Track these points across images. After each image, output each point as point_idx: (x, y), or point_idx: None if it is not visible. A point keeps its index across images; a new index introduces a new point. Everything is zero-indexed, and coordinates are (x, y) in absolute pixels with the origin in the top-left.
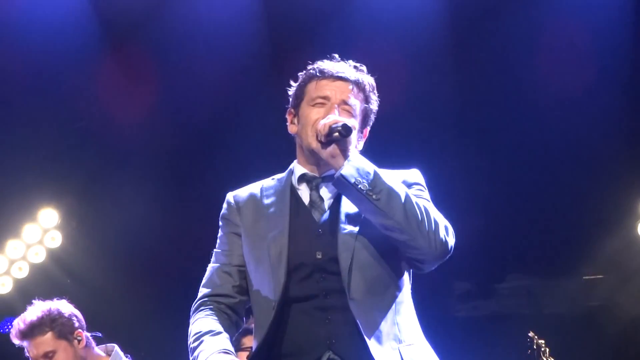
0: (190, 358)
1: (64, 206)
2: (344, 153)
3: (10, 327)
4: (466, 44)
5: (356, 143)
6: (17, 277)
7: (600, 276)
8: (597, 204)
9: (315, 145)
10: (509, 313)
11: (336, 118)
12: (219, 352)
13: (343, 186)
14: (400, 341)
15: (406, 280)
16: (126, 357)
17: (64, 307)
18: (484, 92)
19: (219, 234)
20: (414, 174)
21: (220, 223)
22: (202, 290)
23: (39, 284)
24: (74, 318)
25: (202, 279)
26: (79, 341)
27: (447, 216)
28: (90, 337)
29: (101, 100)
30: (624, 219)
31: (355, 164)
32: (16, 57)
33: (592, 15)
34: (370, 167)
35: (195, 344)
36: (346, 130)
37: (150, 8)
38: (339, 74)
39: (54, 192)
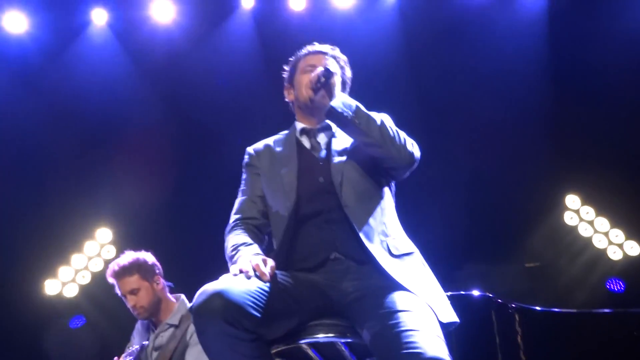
0: (229, 264)
1: (116, 226)
2: (331, 93)
3: (79, 322)
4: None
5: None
6: (82, 283)
7: (538, 264)
8: (530, 197)
9: (310, 94)
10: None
11: (319, 68)
12: (254, 255)
13: (333, 115)
14: (386, 235)
15: (387, 192)
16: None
17: (149, 257)
18: (423, 88)
19: (243, 177)
20: (385, 115)
21: (243, 169)
22: (233, 217)
23: (99, 288)
24: (155, 266)
25: None
26: (158, 284)
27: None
28: (165, 284)
29: None
30: (553, 209)
31: (341, 99)
32: None
33: (516, 14)
34: (353, 101)
35: (233, 252)
36: (327, 72)
37: None
38: (320, 50)
39: (108, 214)
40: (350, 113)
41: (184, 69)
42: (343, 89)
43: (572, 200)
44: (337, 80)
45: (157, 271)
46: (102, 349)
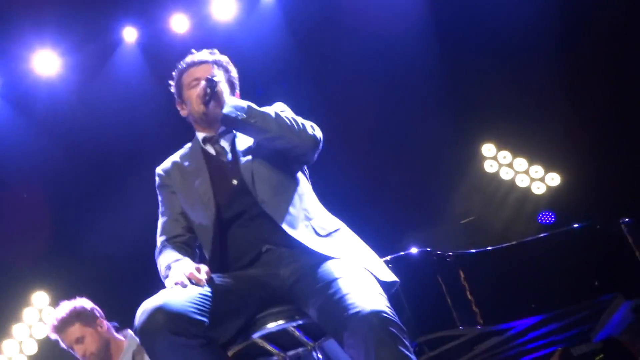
0: (166, 283)
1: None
2: (221, 101)
3: None
4: None
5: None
6: (29, 354)
7: (472, 218)
8: (447, 156)
9: (202, 108)
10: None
11: (203, 81)
12: (187, 265)
13: (228, 121)
14: (309, 219)
15: (302, 178)
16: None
17: (86, 302)
18: (322, 73)
19: (160, 200)
20: (279, 104)
21: (158, 191)
22: (159, 239)
23: (49, 354)
24: (95, 310)
25: None
26: (101, 327)
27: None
28: (109, 325)
29: None
30: (472, 162)
31: (232, 104)
32: None
33: None
34: (244, 103)
35: (167, 272)
36: (211, 82)
37: None
38: (200, 60)
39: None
40: (244, 115)
41: (78, 118)
42: (232, 91)
43: (488, 148)
44: (223, 87)
45: (98, 314)
46: None
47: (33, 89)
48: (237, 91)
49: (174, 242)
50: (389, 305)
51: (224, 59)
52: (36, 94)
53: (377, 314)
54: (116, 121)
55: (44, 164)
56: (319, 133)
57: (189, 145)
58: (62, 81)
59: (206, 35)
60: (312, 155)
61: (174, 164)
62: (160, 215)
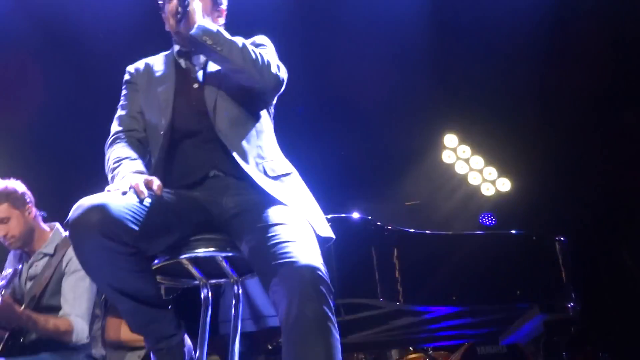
0: (109, 177)
1: None
2: (192, 21)
3: None
4: None
5: (209, 16)
6: None
7: (418, 202)
8: (410, 137)
9: (175, 26)
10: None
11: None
12: (134, 172)
13: (195, 43)
14: (262, 158)
15: (265, 116)
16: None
17: (19, 185)
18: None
19: (123, 94)
20: (260, 37)
21: (123, 86)
22: (114, 129)
23: None
24: (26, 195)
25: None
26: (29, 213)
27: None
28: (38, 213)
29: None
30: (432, 148)
31: (202, 27)
32: None
33: None
34: (214, 27)
35: (115, 165)
36: (181, 1)
37: None
38: None
39: None
40: (211, 40)
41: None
42: (214, 8)
43: (450, 139)
44: (196, 7)
45: (29, 200)
46: None
47: None
48: (223, 6)
49: (129, 135)
50: (323, 263)
51: None
52: None
53: (311, 269)
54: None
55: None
56: (283, 74)
57: (164, 53)
58: None
59: None
60: (271, 94)
61: (146, 65)
62: (119, 108)
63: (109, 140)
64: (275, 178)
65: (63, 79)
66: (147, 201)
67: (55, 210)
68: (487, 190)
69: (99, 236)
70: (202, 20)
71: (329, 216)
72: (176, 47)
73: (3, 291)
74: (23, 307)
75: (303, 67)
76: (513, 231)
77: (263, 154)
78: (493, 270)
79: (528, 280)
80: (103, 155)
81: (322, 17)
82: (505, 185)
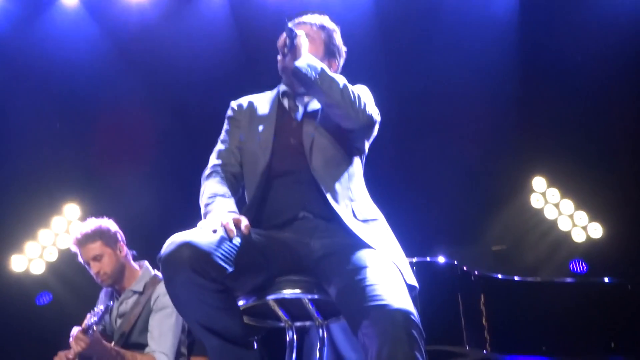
0: (202, 211)
1: (84, 200)
2: (297, 55)
3: (45, 299)
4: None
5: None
6: (49, 260)
7: (504, 246)
8: (498, 180)
9: (282, 60)
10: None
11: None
12: (228, 212)
13: (298, 75)
14: (352, 200)
15: (357, 161)
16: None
17: (111, 224)
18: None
19: (225, 128)
20: (361, 87)
21: (226, 121)
22: (212, 161)
23: (67, 265)
24: (118, 233)
25: None
26: (121, 251)
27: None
28: (129, 252)
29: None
30: (519, 192)
31: (306, 61)
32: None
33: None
34: (319, 64)
35: (209, 200)
36: (291, 32)
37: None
38: (300, 21)
39: (77, 189)
40: (314, 74)
41: (160, 46)
42: (329, 55)
43: (538, 182)
44: (303, 42)
45: (120, 238)
46: (68, 326)
47: (123, 13)
48: (337, 62)
49: (225, 170)
50: (415, 308)
51: (326, 24)
52: (127, 18)
53: (403, 313)
54: (198, 64)
55: (113, 85)
56: (376, 117)
57: (269, 92)
58: (153, 6)
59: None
60: (365, 134)
61: (249, 103)
62: (219, 142)
63: (206, 173)
64: (364, 221)
65: (160, 122)
66: (237, 240)
67: (143, 250)
68: (578, 236)
69: (189, 271)
70: (308, 55)
71: (414, 260)
72: (282, 87)
73: (95, 327)
74: (113, 343)
75: (388, 111)
76: (606, 279)
77: (352, 197)
78: (585, 320)
79: (623, 331)
80: (187, 202)
81: (409, 59)
82: (597, 231)
